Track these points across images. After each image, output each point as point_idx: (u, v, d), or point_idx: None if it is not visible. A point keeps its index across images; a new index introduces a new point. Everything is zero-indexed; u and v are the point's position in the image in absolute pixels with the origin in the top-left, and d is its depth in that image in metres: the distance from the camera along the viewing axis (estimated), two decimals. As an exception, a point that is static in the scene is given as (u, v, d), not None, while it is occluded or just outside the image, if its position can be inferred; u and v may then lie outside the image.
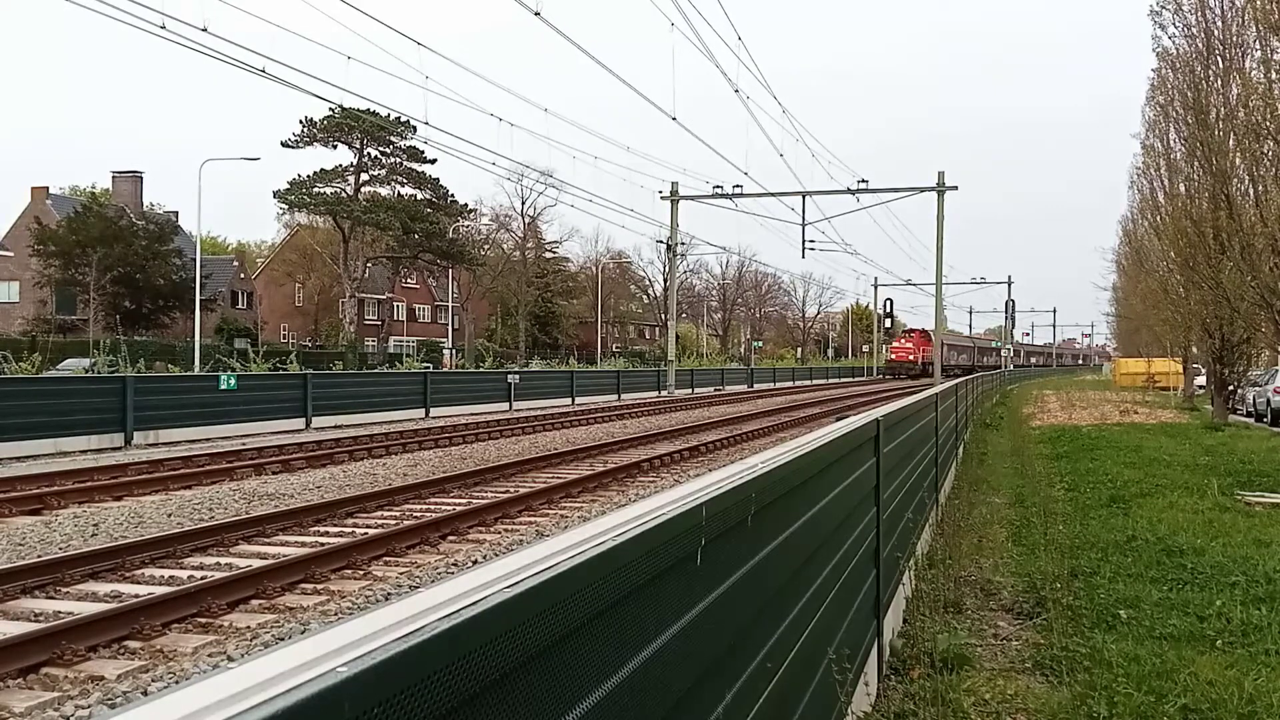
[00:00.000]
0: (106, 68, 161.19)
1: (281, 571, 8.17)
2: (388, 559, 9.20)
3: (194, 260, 48.72)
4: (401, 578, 8.50)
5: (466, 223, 76.35)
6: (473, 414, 29.60)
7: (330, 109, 53.33)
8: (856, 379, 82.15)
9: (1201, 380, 39.04)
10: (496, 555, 5.82)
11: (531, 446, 19.40)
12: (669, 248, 44.57)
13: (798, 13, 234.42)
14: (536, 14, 19.93)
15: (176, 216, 73.29)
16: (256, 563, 8.61)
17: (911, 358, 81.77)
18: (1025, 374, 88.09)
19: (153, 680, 5.85)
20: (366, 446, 18.27)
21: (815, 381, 73.65)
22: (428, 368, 40.35)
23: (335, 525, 10.76)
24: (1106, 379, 76.25)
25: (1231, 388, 29.25)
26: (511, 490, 13.25)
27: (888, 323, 72.81)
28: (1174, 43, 22.14)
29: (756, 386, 57.85)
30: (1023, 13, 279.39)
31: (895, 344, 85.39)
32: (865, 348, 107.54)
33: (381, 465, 16.35)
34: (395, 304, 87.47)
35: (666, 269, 40.17)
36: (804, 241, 44.06)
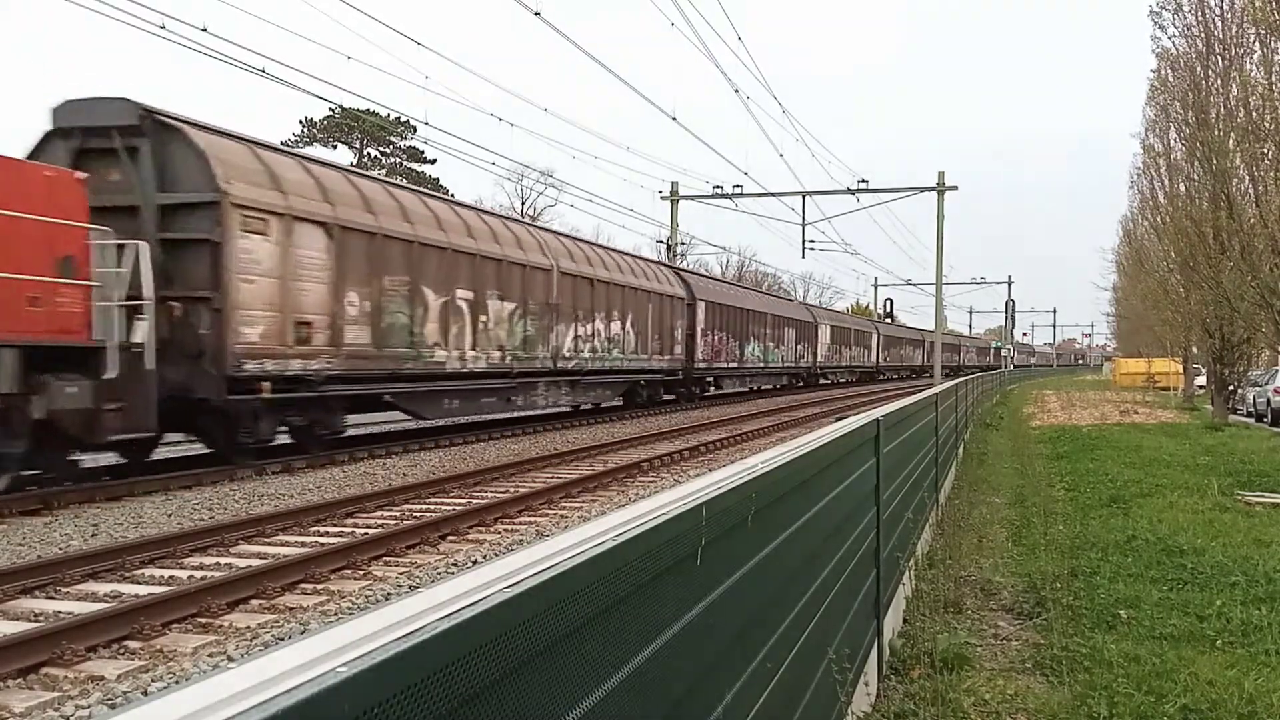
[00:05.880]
0: (106, 68, 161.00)
1: (281, 571, 8.17)
2: (387, 559, 9.20)
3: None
4: (401, 578, 8.50)
5: (466, 223, 76.21)
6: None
7: (330, 109, 53.48)
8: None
9: (1201, 380, 39.06)
10: (496, 555, 5.82)
11: (531, 446, 19.38)
12: (669, 248, 44.53)
13: (798, 13, 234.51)
14: (536, 14, 19.95)
15: (176, 216, 73.19)
16: (256, 563, 8.61)
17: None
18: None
19: (153, 680, 5.84)
20: (366, 446, 18.26)
21: (815, 381, 73.26)
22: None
23: (335, 525, 10.76)
24: (1106, 379, 76.25)
25: (1231, 388, 29.26)
26: (511, 490, 13.24)
27: (888, 321, 72.79)
28: (1174, 43, 22.21)
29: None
30: (1022, 12, 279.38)
31: None
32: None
33: (381, 465, 16.34)
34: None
35: (667, 269, 40.02)
36: (804, 241, 44.12)
